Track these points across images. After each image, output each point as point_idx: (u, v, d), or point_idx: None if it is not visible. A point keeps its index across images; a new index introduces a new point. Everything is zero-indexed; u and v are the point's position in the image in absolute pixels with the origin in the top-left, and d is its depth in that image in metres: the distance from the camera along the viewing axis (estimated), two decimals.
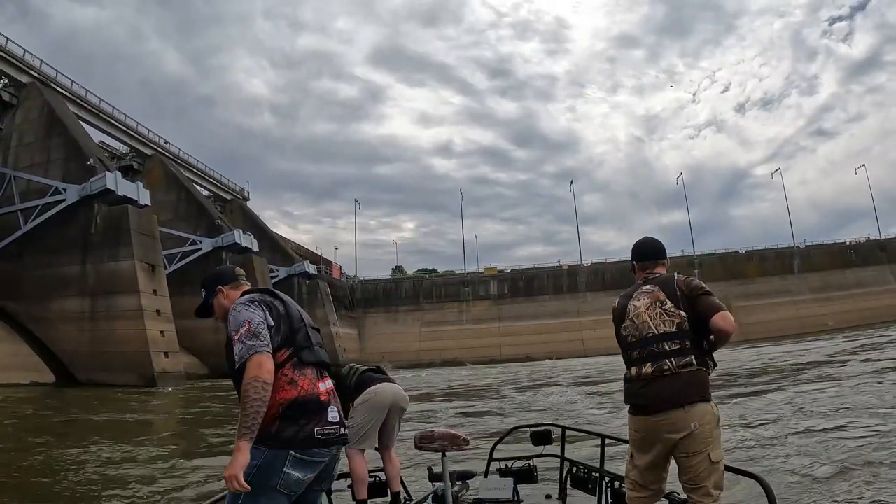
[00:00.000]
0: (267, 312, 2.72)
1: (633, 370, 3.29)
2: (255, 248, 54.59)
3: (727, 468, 3.16)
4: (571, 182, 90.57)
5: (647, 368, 3.20)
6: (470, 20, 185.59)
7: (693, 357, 3.14)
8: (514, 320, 70.09)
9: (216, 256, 52.16)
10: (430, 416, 15.88)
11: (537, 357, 57.27)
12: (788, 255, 73.19)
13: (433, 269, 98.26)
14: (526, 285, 74.63)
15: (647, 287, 3.42)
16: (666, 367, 3.13)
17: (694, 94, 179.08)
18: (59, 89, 44.94)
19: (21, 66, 42.28)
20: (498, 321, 69.81)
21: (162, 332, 36.07)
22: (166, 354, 35.44)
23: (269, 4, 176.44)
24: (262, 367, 2.52)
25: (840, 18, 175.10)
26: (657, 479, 3.27)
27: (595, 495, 4.25)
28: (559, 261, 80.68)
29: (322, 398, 2.74)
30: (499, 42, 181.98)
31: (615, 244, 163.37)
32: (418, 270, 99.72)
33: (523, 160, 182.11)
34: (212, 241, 52.18)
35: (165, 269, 41.92)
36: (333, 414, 2.76)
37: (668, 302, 3.26)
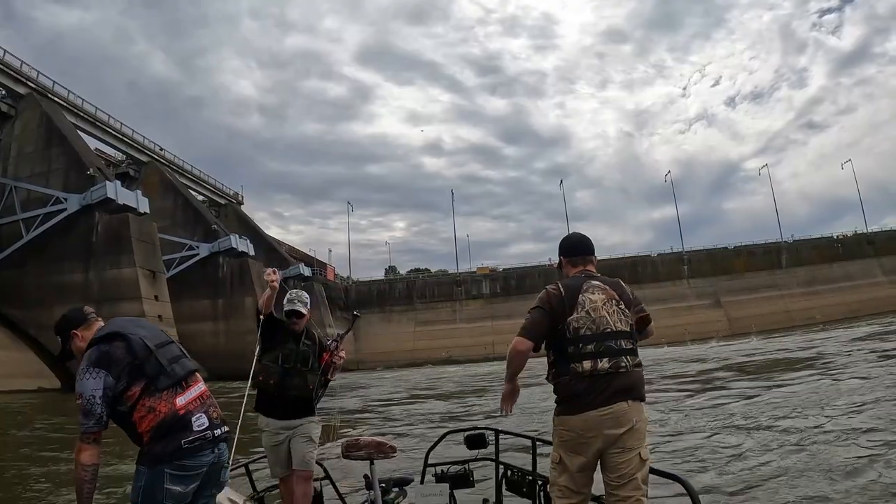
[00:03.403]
0: (104, 372, 2.78)
1: (587, 364, 3.17)
2: (252, 252, 55.34)
3: (650, 470, 3.20)
4: (561, 181, 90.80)
5: (604, 364, 3.16)
6: (457, 17, 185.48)
7: (639, 357, 3.27)
8: (507, 319, 70.38)
9: (213, 261, 53.12)
10: (392, 420, 16.05)
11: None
12: (776, 250, 73.93)
13: (426, 269, 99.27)
14: (518, 284, 75.24)
15: (597, 283, 3.38)
16: (622, 365, 3.17)
17: (684, 89, 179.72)
18: (56, 99, 45.59)
19: (18, 77, 42.91)
20: (491, 320, 70.44)
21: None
22: None
23: (256, 4, 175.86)
24: (82, 454, 2.72)
25: (829, 10, 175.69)
26: (588, 482, 3.22)
27: (530, 499, 4.31)
28: (550, 259, 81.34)
29: (181, 413, 2.83)
30: (487, 39, 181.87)
31: (607, 240, 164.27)
32: (411, 270, 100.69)
33: (513, 157, 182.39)
34: (209, 247, 53.03)
35: (163, 275, 42.68)
36: (200, 421, 2.87)
37: (622, 303, 3.33)
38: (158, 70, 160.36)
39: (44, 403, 26.18)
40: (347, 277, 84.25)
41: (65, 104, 46.65)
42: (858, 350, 22.78)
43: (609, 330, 3.22)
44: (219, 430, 2.95)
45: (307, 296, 5.02)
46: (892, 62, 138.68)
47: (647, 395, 3.27)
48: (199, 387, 3.02)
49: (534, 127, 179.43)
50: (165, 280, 41.79)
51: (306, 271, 65.11)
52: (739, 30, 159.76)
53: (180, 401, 2.85)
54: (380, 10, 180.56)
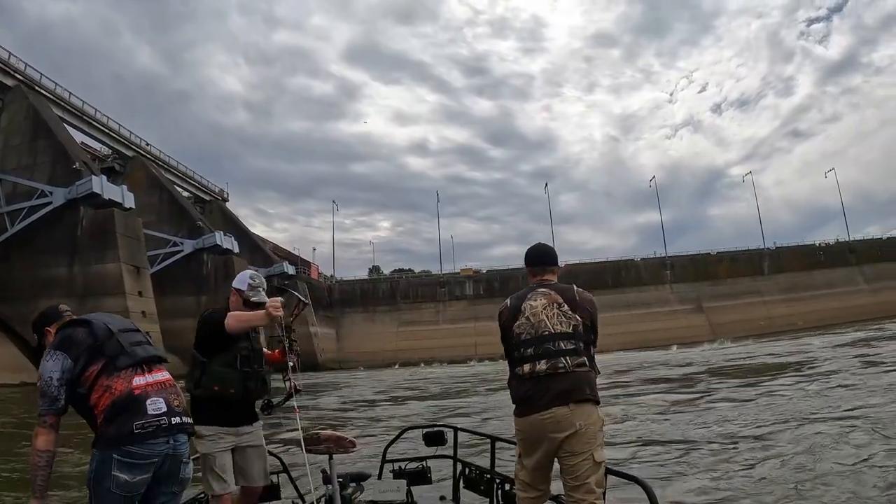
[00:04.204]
0: (63, 354, 2.80)
1: (527, 367, 3.28)
2: (236, 250, 55.48)
3: (609, 471, 3.25)
4: (546, 184, 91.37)
5: (542, 366, 3.23)
6: (446, 17, 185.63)
7: (585, 358, 3.27)
8: (490, 320, 67.94)
9: (197, 258, 53.18)
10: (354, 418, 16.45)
11: None
12: (758, 257, 74.77)
13: (409, 269, 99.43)
14: (501, 286, 75.26)
15: (543, 290, 3.47)
16: (561, 366, 3.20)
17: (671, 94, 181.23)
18: (43, 92, 45.50)
19: (6, 68, 42.83)
20: (474, 321, 70.52)
21: (147, 333, 36.18)
22: None
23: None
24: (38, 439, 2.72)
25: (817, 20, 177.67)
26: (544, 480, 3.34)
27: (487, 497, 4.30)
28: None
29: (136, 392, 2.74)
30: (475, 40, 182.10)
31: (591, 244, 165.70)
32: (395, 270, 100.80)
33: (499, 159, 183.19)
34: (193, 243, 53.14)
35: (147, 270, 42.74)
36: (157, 405, 2.75)
37: (565, 305, 3.37)
38: (145, 63, 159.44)
39: (24, 398, 26.19)
40: (331, 276, 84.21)
41: (52, 97, 46.53)
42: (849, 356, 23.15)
43: (547, 332, 3.29)
44: (177, 418, 2.82)
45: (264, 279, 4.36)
46: (878, 72, 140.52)
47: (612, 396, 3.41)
48: (163, 374, 2.95)
49: (520, 129, 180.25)
50: (149, 276, 41.85)
51: (290, 270, 65.07)
52: (727, 37, 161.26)
53: (138, 381, 2.79)
54: (368, 9, 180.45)
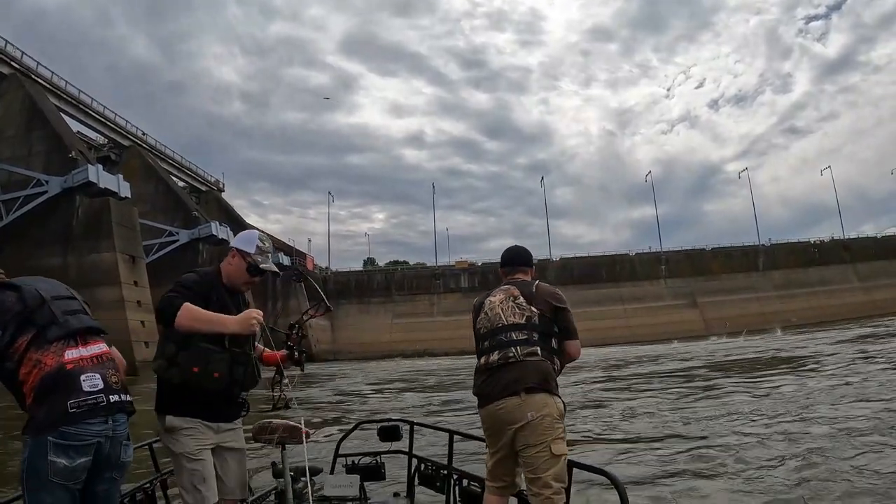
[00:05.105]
0: None
1: (483, 360, 3.37)
2: (232, 240, 55.16)
3: (577, 465, 3.20)
4: (542, 178, 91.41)
5: (495, 356, 3.29)
6: (444, 9, 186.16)
7: (538, 348, 3.26)
8: None
9: (193, 248, 53.26)
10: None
11: None
12: (753, 253, 75.26)
13: (404, 261, 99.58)
14: (496, 278, 73.64)
15: (506, 286, 3.57)
16: (511, 355, 3.24)
17: (668, 90, 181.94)
18: (39, 80, 45.36)
19: (2, 57, 42.69)
20: (468, 313, 70.15)
21: (143, 322, 36.99)
22: (147, 344, 36.19)
23: None
24: None
25: (816, 17, 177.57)
26: (509, 472, 3.33)
27: (444, 493, 4.20)
28: None
29: (69, 367, 2.47)
30: (472, 32, 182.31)
31: (586, 238, 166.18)
32: (389, 262, 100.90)
33: (495, 152, 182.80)
34: (189, 233, 53.30)
35: (143, 260, 42.73)
36: (93, 381, 2.50)
37: (521, 298, 3.41)
38: (139, 53, 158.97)
39: None
40: (326, 268, 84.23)
41: (48, 86, 46.44)
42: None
43: (500, 324, 3.36)
44: (116, 396, 2.55)
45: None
46: (876, 71, 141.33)
47: (557, 387, 3.28)
48: (100, 347, 2.66)
49: (516, 122, 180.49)
50: (145, 266, 41.84)
51: (286, 261, 65.09)
52: (725, 33, 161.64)
53: (71, 354, 2.51)
54: (366, 0, 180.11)
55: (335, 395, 22.17)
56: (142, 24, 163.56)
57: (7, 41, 43.29)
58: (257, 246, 3.33)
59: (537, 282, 3.55)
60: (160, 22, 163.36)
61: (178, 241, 53.04)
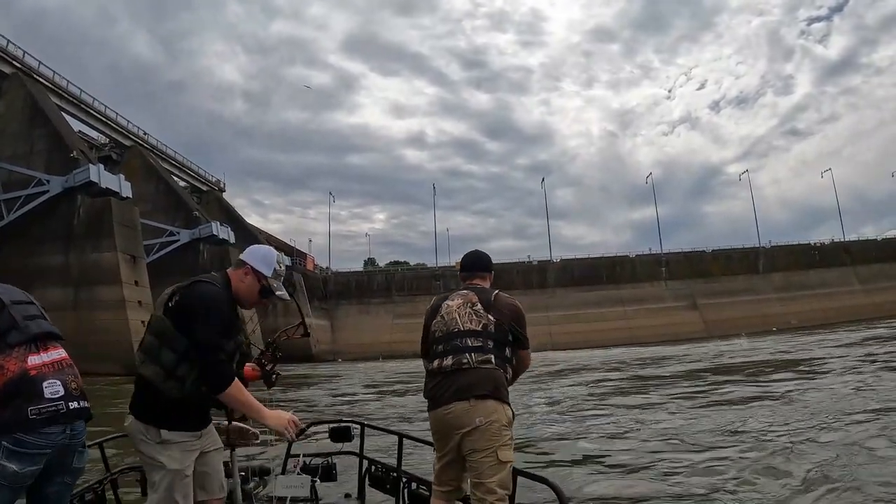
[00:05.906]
0: None
1: (436, 363, 3.37)
2: (233, 240, 55.47)
3: (520, 472, 3.24)
4: (543, 179, 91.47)
5: (448, 361, 3.30)
6: (445, 9, 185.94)
7: (492, 356, 3.29)
8: None
9: (194, 248, 53.29)
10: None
11: None
12: (753, 255, 75.05)
13: (405, 262, 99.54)
14: (495, 280, 75.30)
15: (464, 291, 3.58)
16: (465, 361, 3.26)
17: (669, 91, 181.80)
18: (41, 80, 45.34)
19: (4, 56, 42.64)
20: None
21: (143, 321, 36.86)
22: None
23: None
24: None
25: (818, 19, 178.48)
26: (456, 476, 3.37)
27: (393, 496, 4.26)
28: (529, 256, 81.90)
29: (32, 373, 2.48)
30: (474, 32, 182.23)
31: (586, 239, 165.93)
32: (390, 262, 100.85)
33: (496, 153, 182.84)
34: (189, 233, 53.23)
35: (144, 260, 42.76)
36: (54, 388, 2.50)
37: (479, 305, 3.42)
38: (141, 52, 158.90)
39: None
40: (327, 268, 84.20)
41: (50, 85, 46.42)
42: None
43: (456, 330, 3.37)
44: (76, 403, 2.55)
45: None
46: (877, 73, 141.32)
47: (508, 393, 3.32)
48: (59, 353, 2.65)
49: (517, 123, 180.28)
50: (146, 265, 41.87)
51: (286, 261, 64.25)
52: (727, 34, 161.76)
53: (33, 360, 2.51)
54: None
55: (305, 397, 21.97)
56: (143, 22, 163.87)
57: (9, 40, 43.33)
58: (275, 269, 3.22)
59: (497, 291, 3.55)
60: (161, 20, 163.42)
61: (178, 240, 52.96)
